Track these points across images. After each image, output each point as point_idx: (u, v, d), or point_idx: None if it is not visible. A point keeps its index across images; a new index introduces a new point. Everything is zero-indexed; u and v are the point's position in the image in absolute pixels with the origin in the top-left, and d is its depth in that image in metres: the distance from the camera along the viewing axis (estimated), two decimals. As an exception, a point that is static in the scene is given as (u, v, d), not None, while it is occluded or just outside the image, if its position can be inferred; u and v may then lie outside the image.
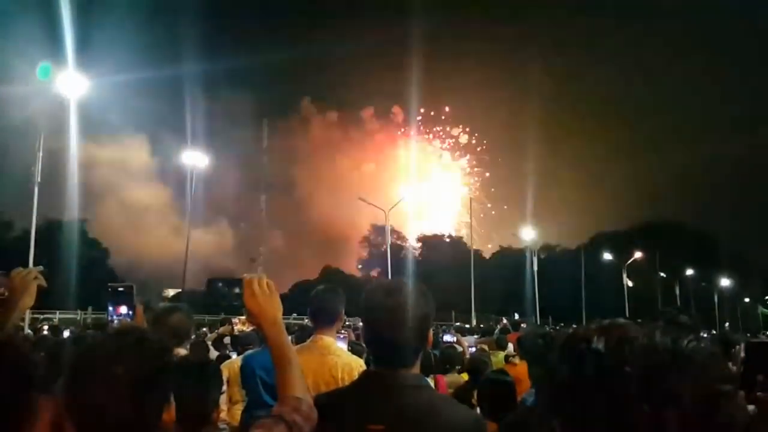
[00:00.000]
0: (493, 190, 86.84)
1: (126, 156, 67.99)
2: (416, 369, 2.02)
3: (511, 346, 8.39)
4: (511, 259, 62.42)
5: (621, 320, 1.14)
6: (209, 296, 46.44)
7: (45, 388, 1.72)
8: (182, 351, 3.73)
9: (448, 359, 6.95)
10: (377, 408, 1.90)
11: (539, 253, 56.17)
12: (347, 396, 2.05)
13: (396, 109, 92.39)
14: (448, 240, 73.07)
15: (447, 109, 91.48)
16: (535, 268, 42.11)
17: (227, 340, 9.99)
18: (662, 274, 56.89)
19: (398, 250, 60.04)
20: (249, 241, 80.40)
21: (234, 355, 7.50)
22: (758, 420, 1.74)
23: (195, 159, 33.98)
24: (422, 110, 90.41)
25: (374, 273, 67.58)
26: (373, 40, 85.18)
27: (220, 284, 51.90)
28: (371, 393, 1.96)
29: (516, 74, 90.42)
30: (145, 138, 69.81)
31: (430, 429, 1.88)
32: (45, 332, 13.88)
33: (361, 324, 2.24)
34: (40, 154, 20.99)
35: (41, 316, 22.19)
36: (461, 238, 71.36)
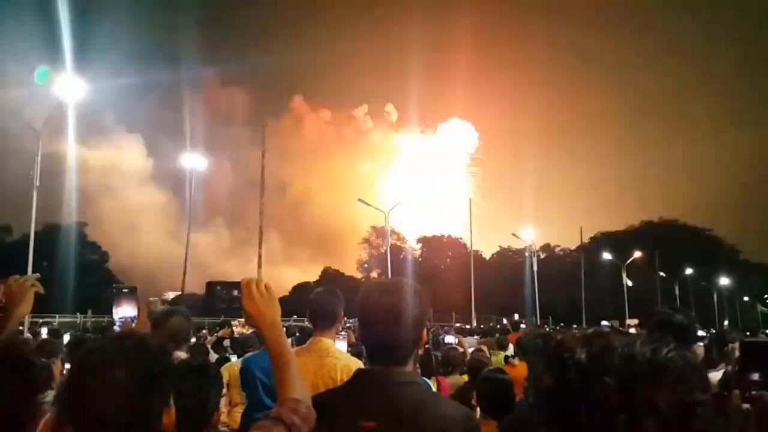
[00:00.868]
0: (492, 190, 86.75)
1: (122, 158, 68.01)
2: (410, 367, 2.05)
3: (511, 347, 8.41)
4: (510, 259, 62.53)
5: (605, 329, 1.16)
6: (208, 299, 46.54)
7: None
8: (182, 354, 3.74)
9: (450, 361, 6.97)
10: (369, 405, 1.92)
11: (539, 253, 56.27)
12: (341, 394, 2.08)
13: (390, 107, 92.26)
14: (447, 241, 72.97)
15: (444, 108, 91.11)
16: (535, 268, 42.10)
17: (227, 342, 10.00)
18: (662, 273, 56.89)
19: (398, 251, 60.09)
20: (247, 242, 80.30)
21: (234, 358, 7.51)
22: (753, 418, 1.75)
23: (194, 161, 33.98)
24: (417, 109, 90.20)
25: (374, 274, 67.57)
26: (368, 39, 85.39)
27: (219, 287, 52.00)
28: (364, 391, 1.99)
29: (515, 74, 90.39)
30: (142, 140, 69.88)
31: (422, 425, 1.90)
32: (44, 336, 13.88)
33: None
34: (39, 158, 20.99)
35: (40, 320, 22.14)
36: (461, 238, 71.31)
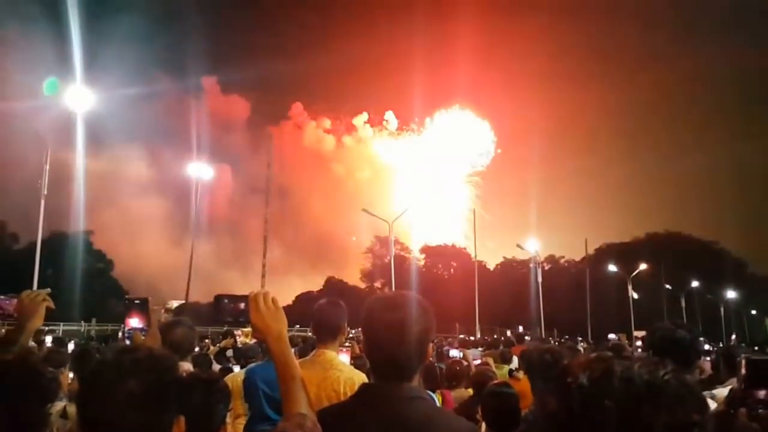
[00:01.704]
0: (496, 200, 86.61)
1: (126, 167, 68.28)
2: (415, 382, 2.05)
3: (515, 360, 8.37)
4: (515, 270, 62.42)
5: (607, 353, 1.20)
6: (215, 313, 46.70)
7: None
8: (187, 365, 3.74)
9: (455, 374, 6.94)
10: (376, 421, 1.92)
11: (544, 264, 56.20)
12: (346, 409, 2.08)
13: (389, 115, 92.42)
14: (451, 251, 72.90)
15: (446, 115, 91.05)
16: (540, 279, 42.00)
17: (229, 353, 9.99)
18: (668, 286, 56.66)
19: (402, 260, 60.08)
20: (249, 250, 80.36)
21: (237, 368, 7.49)
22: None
23: (199, 171, 34.17)
24: (417, 119, 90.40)
25: (378, 284, 67.55)
26: (368, 46, 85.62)
27: (226, 300, 52.20)
28: (370, 406, 1.98)
29: (519, 85, 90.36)
30: (146, 150, 70.14)
31: None
32: (48, 344, 13.89)
33: None
34: (47, 167, 21.14)
35: (45, 328, 22.18)
36: (465, 248, 71.24)
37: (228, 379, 5.19)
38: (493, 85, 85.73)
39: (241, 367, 6.89)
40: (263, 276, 42.44)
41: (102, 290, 46.12)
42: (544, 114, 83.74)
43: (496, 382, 4.66)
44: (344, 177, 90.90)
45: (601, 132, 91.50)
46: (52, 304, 2.70)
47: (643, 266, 51.30)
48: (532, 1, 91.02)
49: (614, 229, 76.09)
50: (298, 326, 31.43)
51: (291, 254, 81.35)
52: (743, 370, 1.93)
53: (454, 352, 9.75)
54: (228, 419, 4.26)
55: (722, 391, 3.25)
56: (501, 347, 10.64)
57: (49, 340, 14.66)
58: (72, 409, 3.51)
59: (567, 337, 41.37)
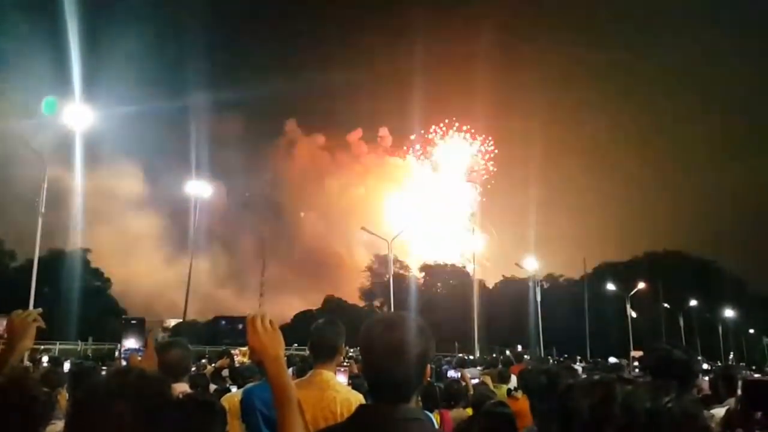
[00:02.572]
0: (495, 219, 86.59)
1: (122, 185, 68.31)
2: (413, 403, 2.04)
3: (514, 379, 8.33)
4: (514, 289, 62.23)
5: (611, 377, 1.19)
6: (213, 334, 46.63)
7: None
8: (184, 386, 3.72)
9: (453, 394, 6.90)
10: None
11: (543, 283, 56.05)
12: (343, 431, 2.06)
13: (383, 131, 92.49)
14: (450, 269, 72.78)
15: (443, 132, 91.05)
16: (539, 298, 41.91)
17: (225, 372, 9.93)
18: (666, 305, 56.54)
19: (401, 279, 59.94)
20: (245, 267, 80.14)
21: (234, 388, 7.45)
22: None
23: (198, 189, 34.20)
24: (413, 136, 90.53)
25: (377, 303, 67.32)
26: (363, 65, 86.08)
27: (224, 322, 52.13)
28: (367, 427, 1.98)
29: (516, 102, 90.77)
30: (143, 167, 70.21)
31: None
32: (45, 363, 13.82)
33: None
34: (45, 185, 21.17)
35: (41, 347, 22.06)
36: (464, 267, 71.10)
37: (225, 399, 5.17)
38: (490, 104, 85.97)
39: (239, 387, 6.85)
40: (261, 295, 42.33)
41: (99, 309, 45.88)
42: (542, 133, 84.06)
43: (492, 401, 4.64)
44: (341, 194, 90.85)
45: (600, 152, 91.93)
46: (43, 324, 2.68)
47: (641, 285, 51.24)
48: (528, 22, 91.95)
49: (613, 248, 76.20)
50: (296, 345, 31.28)
51: (289, 272, 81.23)
52: (739, 392, 1.93)
53: (452, 372, 9.69)
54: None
55: (720, 411, 3.24)
56: (499, 366, 10.59)
57: (45, 359, 14.60)
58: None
59: (566, 355, 41.13)
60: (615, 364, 17.58)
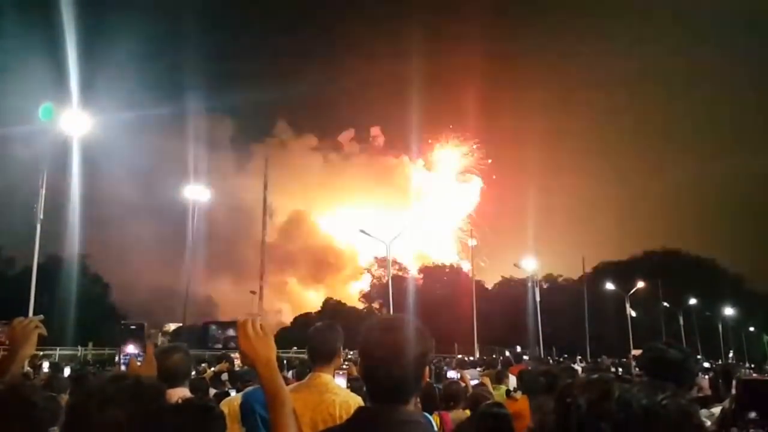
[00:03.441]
0: (493, 219, 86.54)
1: (123, 191, 68.24)
2: (411, 405, 2.05)
3: (513, 380, 8.33)
4: (513, 289, 62.24)
5: (608, 376, 1.21)
6: (204, 339, 46.44)
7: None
8: (184, 391, 3.72)
9: (452, 396, 6.90)
10: None
11: (541, 283, 56.06)
12: None
13: (375, 131, 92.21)
14: (449, 271, 72.77)
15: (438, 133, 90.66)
16: (538, 298, 41.94)
17: (224, 376, 9.93)
18: (665, 303, 56.57)
19: (400, 281, 59.89)
20: (244, 272, 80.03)
21: (233, 392, 7.45)
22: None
23: (196, 194, 34.22)
24: (411, 135, 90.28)
25: (376, 305, 67.30)
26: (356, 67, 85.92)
27: (214, 327, 51.91)
28: (365, 429, 1.99)
29: (512, 102, 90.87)
30: (140, 173, 70.10)
31: None
32: (45, 369, 13.81)
33: None
34: (43, 191, 21.15)
35: (41, 353, 22.04)
36: (463, 268, 71.10)
37: (224, 403, 5.17)
38: (485, 104, 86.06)
39: (238, 391, 6.85)
40: (260, 299, 42.27)
41: (99, 314, 45.79)
42: (540, 134, 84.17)
43: (489, 402, 4.65)
44: (337, 195, 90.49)
45: (599, 151, 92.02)
46: (44, 331, 2.69)
47: (640, 284, 51.28)
48: (523, 25, 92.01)
49: (612, 248, 76.42)
50: (295, 348, 31.28)
51: (287, 275, 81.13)
52: (734, 391, 1.94)
53: (452, 373, 9.68)
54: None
55: (717, 410, 3.24)
56: (499, 367, 10.59)
57: (45, 365, 14.58)
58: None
59: (566, 356, 41.16)
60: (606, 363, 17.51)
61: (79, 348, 32.20)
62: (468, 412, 6.18)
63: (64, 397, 5.54)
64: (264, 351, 1.98)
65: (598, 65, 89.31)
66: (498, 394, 6.97)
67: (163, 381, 2.30)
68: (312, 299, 68.80)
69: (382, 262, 60.97)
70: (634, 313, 49.75)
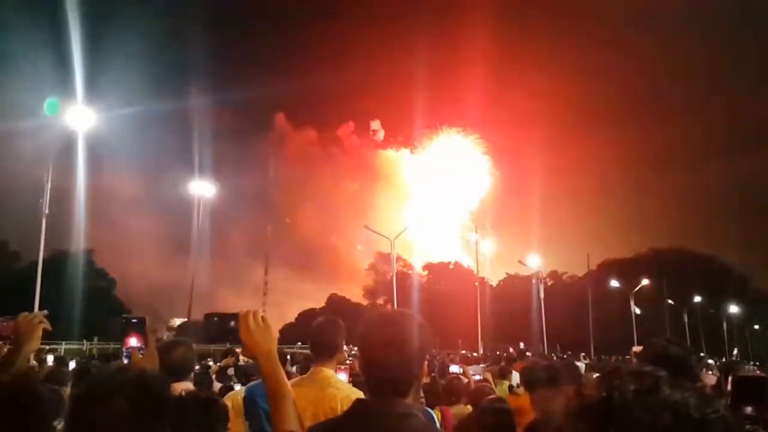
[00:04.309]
0: (498, 217, 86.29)
1: (123, 184, 68.35)
2: (410, 399, 2.03)
3: (516, 376, 8.34)
4: (518, 286, 62.22)
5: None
6: (206, 331, 46.40)
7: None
8: (188, 384, 3.75)
9: (454, 391, 6.92)
10: None
11: (546, 280, 56.03)
12: (337, 425, 2.08)
13: (375, 125, 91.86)
14: (454, 267, 72.75)
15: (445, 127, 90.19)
16: (542, 295, 41.91)
17: (231, 371, 9.97)
18: (670, 301, 56.46)
19: (405, 277, 59.93)
20: (249, 268, 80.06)
21: (237, 386, 7.49)
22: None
23: (202, 189, 34.29)
24: (414, 128, 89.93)
25: (380, 301, 67.33)
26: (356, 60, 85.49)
27: (215, 318, 51.95)
28: (362, 422, 1.99)
29: (516, 97, 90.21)
30: (144, 167, 70.21)
31: None
32: (50, 363, 13.87)
33: None
34: (48, 185, 21.24)
35: (46, 347, 22.16)
36: (467, 265, 71.08)
37: (228, 397, 5.21)
38: (490, 101, 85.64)
39: (242, 385, 6.89)
40: (265, 293, 42.37)
41: (104, 309, 45.99)
42: (546, 131, 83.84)
43: (490, 397, 4.66)
44: (340, 190, 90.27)
45: (604, 147, 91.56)
46: (49, 326, 2.73)
47: (645, 282, 51.19)
48: (524, 20, 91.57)
49: (617, 245, 76.00)
50: (300, 344, 31.33)
51: (291, 271, 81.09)
52: (729, 387, 1.95)
53: (454, 368, 9.70)
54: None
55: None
56: (502, 363, 10.60)
57: (50, 359, 14.65)
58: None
59: (570, 353, 41.12)
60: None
61: (85, 342, 32.37)
62: (470, 408, 6.20)
63: (66, 390, 5.59)
64: (265, 343, 1.99)
65: (605, 62, 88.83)
66: (501, 389, 6.99)
67: (166, 375, 2.32)
68: (316, 295, 68.72)
69: (386, 258, 60.94)
70: (638, 311, 49.69)
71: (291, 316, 60.27)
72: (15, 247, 51.85)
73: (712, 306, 61.82)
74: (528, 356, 17.11)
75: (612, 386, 1.11)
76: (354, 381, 4.35)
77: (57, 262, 40.52)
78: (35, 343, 2.68)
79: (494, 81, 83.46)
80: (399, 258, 53.44)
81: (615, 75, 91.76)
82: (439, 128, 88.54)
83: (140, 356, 2.84)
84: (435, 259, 75.69)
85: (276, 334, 2.08)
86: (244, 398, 4.35)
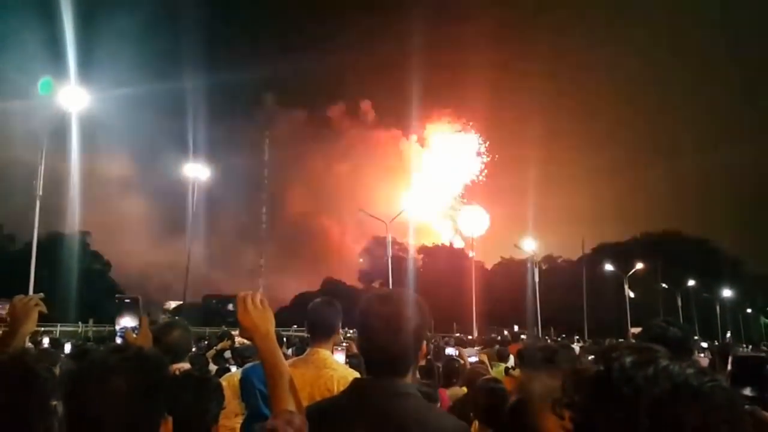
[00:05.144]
0: (493, 200, 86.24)
1: (121, 168, 68.06)
2: (409, 378, 2.03)
3: (512, 358, 8.39)
4: (513, 270, 62.41)
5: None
6: (204, 314, 46.52)
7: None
8: (185, 365, 3.75)
9: (450, 372, 6.96)
10: (365, 416, 1.91)
11: (541, 264, 56.16)
12: (335, 405, 2.08)
13: (365, 105, 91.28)
14: (449, 251, 72.88)
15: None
16: (537, 279, 42.05)
17: (228, 353, 9.99)
18: (664, 285, 56.78)
19: (400, 260, 60.02)
20: (244, 250, 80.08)
21: (234, 368, 7.51)
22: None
23: (196, 172, 34.18)
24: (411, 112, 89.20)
25: (376, 284, 67.45)
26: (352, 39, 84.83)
27: (214, 301, 52.13)
28: (360, 401, 1.98)
29: (512, 81, 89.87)
30: (138, 150, 69.80)
31: None
32: (45, 345, 13.87)
33: None
34: (42, 167, 21.14)
35: (42, 329, 22.16)
36: (462, 249, 71.24)
37: (225, 378, 5.22)
38: (484, 84, 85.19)
39: (239, 367, 6.90)
40: (260, 276, 42.40)
41: (99, 291, 45.98)
42: (540, 115, 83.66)
43: (485, 377, 4.68)
44: (333, 172, 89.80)
45: (598, 133, 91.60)
46: (44, 309, 2.73)
47: (639, 265, 51.42)
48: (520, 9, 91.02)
49: (611, 229, 76.18)
50: (295, 327, 31.42)
51: (286, 254, 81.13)
52: (730, 367, 1.95)
53: (450, 350, 9.75)
54: (224, 419, 4.28)
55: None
56: (497, 347, 10.66)
57: (46, 341, 14.65)
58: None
59: (564, 336, 41.34)
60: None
61: (80, 324, 32.37)
62: (465, 389, 6.23)
63: (55, 371, 5.57)
64: (263, 324, 1.99)
65: (600, 46, 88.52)
66: (497, 371, 7.03)
67: (163, 355, 2.31)
68: (310, 277, 68.83)
69: (381, 242, 60.94)
70: (632, 294, 49.96)
71: (286, 300, 60.38)
72: (9, 229, 51.72)
73: (705, 289, 62.22)
74: (522, 339, 17.17)
75: (611, 358, 1.11)
76: (350, 362, 4.36)
77: (51, 244, 40.40)
78: (31, 325, 2.67)
79: (488, 63, 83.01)
80: (394, 241, 53.50)
81: (612, 62, 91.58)
82: (432, 111, 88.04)
83: (134, 336, 2.83)
84: (431, 243, 75.72)
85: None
86: (241, 379, 4.36)
